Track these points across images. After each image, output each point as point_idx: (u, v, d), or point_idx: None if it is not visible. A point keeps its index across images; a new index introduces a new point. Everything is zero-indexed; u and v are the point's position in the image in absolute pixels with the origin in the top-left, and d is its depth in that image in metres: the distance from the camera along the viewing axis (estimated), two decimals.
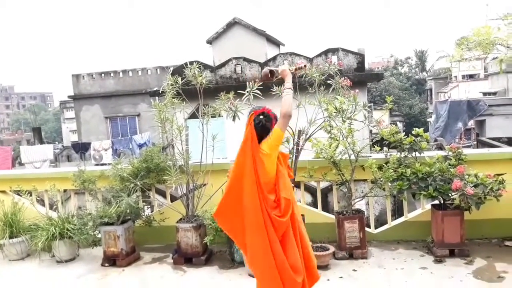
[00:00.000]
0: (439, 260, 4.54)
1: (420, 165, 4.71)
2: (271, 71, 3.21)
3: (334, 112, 4.68)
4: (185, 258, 4.94)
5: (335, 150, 4.78)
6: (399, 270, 4.38)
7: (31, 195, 5.80)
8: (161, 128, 5.13)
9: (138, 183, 5.11)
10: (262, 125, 3.05)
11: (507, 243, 4.89)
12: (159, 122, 5.09)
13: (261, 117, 3.07)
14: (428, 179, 4.61)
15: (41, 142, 23.11)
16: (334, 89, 4.96)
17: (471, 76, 38.89)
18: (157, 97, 5.18)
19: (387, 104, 5.24)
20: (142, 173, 5.18)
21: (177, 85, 5.04)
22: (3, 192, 5.96)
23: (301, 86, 4.99)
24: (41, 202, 6.24)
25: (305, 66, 3.38)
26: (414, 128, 4.94)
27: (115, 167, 5.18)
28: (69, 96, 25.11)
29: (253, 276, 4.39)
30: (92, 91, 23.65)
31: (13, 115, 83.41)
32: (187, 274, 4.70)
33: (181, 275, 4.68)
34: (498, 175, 4.63)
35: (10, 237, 5.39)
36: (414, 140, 4.80)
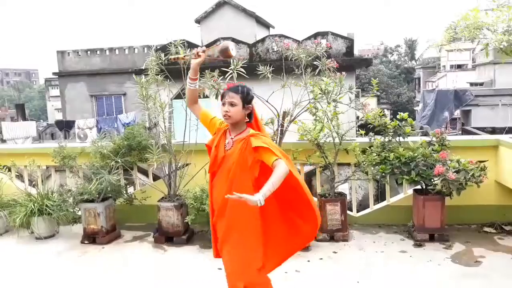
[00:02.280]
0: (418, 244, 4.58)
1: (403, 150, 4.71)
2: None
3: (320, 94, 4.63)
4: (166, 237, 4.91)
5: (320, 132, 4.75)
6: (379, 253, 4.42)
7: (9, 171, 5.67)
8: (143, 105, 5.03)
9: (119, 160, 5.03)
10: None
11: (486, 229, 4.96)
12: (141, 99, 4.99)
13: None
14: (411, 163, 4.62)
15: (24, 119, 22.68)
16: (321, 71, 4.91)
17: (459, 66, 39.18)
18: (143, 76, 5.04)
19: (371, 93, 5.20)
20: (123, 151, 5.09)
21: (160, 62, 4.93)
22: None
23: (288, 67, 4.93)
24: (20, 178, 6.12)
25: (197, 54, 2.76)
26: (399, 113, 4.94)
27: (96, 143, 5.09)
28: (53, 73, 24.55)
29: None
30: (78, 68, 23.15)
31: None
32: (168, 252, 4.67)
33: (161, 254, 4.65)
34: (480, 161, 4.66)
35: None
36: (398, 125, 4.80)
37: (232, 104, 2.66)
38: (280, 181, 2.47)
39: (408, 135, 4.87)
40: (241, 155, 2.65)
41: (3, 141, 18.26)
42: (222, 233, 2.80)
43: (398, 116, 4.89)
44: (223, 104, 2.69)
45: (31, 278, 4.16)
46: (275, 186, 2.45)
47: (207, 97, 5.03)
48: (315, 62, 4.92)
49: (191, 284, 3.91)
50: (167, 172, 5.13)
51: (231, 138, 2.73)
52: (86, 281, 4.05)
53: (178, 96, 5.48)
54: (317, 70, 4.89)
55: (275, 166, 2.52)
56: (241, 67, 4.49)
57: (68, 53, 23.39)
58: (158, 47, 5.45)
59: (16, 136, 17.94)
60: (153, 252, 4.71)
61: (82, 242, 5.00)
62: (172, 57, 2.90)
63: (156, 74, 4.99)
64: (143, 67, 5.15)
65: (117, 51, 23.17)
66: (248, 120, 2.76)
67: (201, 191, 4.83)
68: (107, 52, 23.19)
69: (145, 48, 22.66)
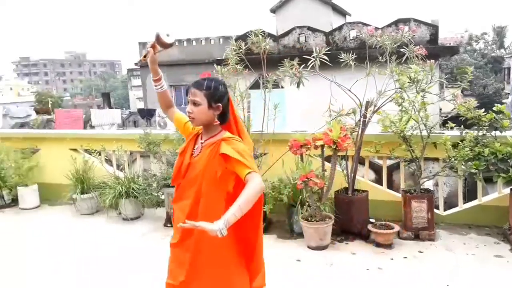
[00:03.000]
0: None
1: (500, 145, 4.31)
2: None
3: (408, 82, 4.36)
4: None
5: (406, 124, 4.49)
6: (470, 255, 4.09)
7: (100, 155, 6.07)
8: None
9: None
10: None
11: None
12: None
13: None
14: (509, 160, 4.21)
15: (110, 107, 24.28)
16: (407, 59, 4.62)
17: None
18: (220, 66, 5.11)
19: (462, 82, 4.77)
20: None
21: (240, 51, 4.95)
22: (75, 150, 6.28)
23: (371, 55, 4.71)
24: (109, 162, 6.52)
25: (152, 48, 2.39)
26: (496, 105, 4.51)
27: (179, 131, 5.25)
28: (135, 64, 25.96)
29: (312, 248, 4.33)
30: (158, 59, 24.22)
31: (85, 81, 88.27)
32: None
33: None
34: None
35: (82, 193, 5.71)
36: (494, 117, 4.39)
37: (195, 103, 2.17)
38: (251, 203, 1.95)
39: (506, 129, 4.44)
40: (209, 163, 2.16)
41: (92, 127, 19.73)
42: (187, 266, 2.23)
43: (494, 108, 4.46)
44: (188, 103, 2.22)
45: (118, 255, 4.42)
46: (243, 210, 1.92)
47: (281, 87, 4.99)
48: (401, 50, 4.65)
49: (271, 274, 3.90)
50: None
51: (201, 143, 2.26)
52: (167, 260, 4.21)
53: (253, 86, 5.51)
54: (404, 58, 4.61)
55: (247, 181, 2.01)
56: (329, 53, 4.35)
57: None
58: (234, 38, 5.50)
59: (102, 123, 19.27)
60: None
61: (165, 225, 5.22)
62: (141, 58, 2.55)
63: (235, 64, 5.03)
64: (221, 57, 5.23)
65: (194, 42, 23.92)
66: (220, 122, 2.24)
67: (279, 181, 4.81)
68: (185, 43, 24.03)
69: (221, 39, 23.16)
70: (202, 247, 2.19)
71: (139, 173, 5.74)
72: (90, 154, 6.12)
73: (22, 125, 22.44)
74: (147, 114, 20.05)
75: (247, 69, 5.18)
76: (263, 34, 5.02)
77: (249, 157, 2.11)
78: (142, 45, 24.67)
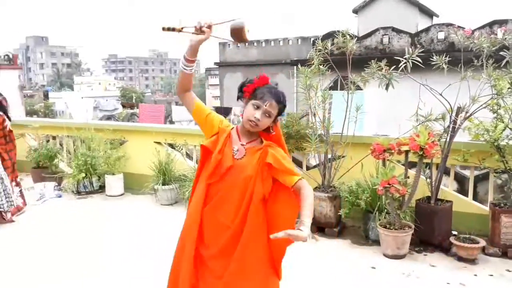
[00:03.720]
0: None
1: None
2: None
3: (508, 88, 4.04)
4: (318, 227, 4.92)
5: (502, 132, 4.16)
6: None
7: (182, 149, 6.36)
8: (305, 94, 5.09)
9: None
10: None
11: None
12: (303, 89, 5.05)
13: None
14: None
15: None
16: (508, 63, 4.28)
17: None
18: (304, 66, 5.11)
19: None
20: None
21: (325, 51, 4.91)
22: (159, 143, 6.64)
23: (466, 58, 4.43)
24: (190, 157, 6.81)
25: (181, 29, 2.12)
26: None
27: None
28: (214, 63, 26.84)
29: (389, 257, 4.18)
30: (236, 59, 24.87)
31: (166, 79, 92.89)
32: (319, 243, 4.68)
33: (313, 243, 4.68)
34: None
35: (163, 184, 6.01)
36: None
37: (269, 115, 2.13)
38: (313, 209, 2.05)
39: None
40: (260, 169, 2.12)
41: (171, 122, 20.72)
42: (229, 277, 2.13)
43: None
44: (257, 107, 2.11)
45: None
46: (311, 216, 1.99)
47: (361, 89, 4.85)
48: (501, 53, 4.32)
49: (343, 279, 3.84)
50: (322, 162, 5.11)
51: (242, 145, 2.18)
52: None
53: (331, 88, 5.45)
54: (504, 62, 4.28)
55: (300, 188, 2.06)
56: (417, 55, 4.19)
57: (229, 44, 25.26)
58: (312, 39, 5.47)
59: (182, 119, 20.15)
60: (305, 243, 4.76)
61: None
62: (166, 26, 2.16)
63: (319, 64, 5.00)
64: (299, 58, 5.24)
65: (272, 43, 24.18)
66: (269, 131, 2.21)
67: (357, 185, 4.70)
68: (264, 44, 24.37)
69: (299, 40, 23.15)
70: (247, 255, 2.14)
71: None
72: (173, 148, 6.42)
73: (108, 118, 24.21)
74: (223, 112, 20.61)
75: (329, 70, 5.14)
76: (350, 35, 4.94)
77: (292, 164, 2.21)
78: (222, 45, 25.42)
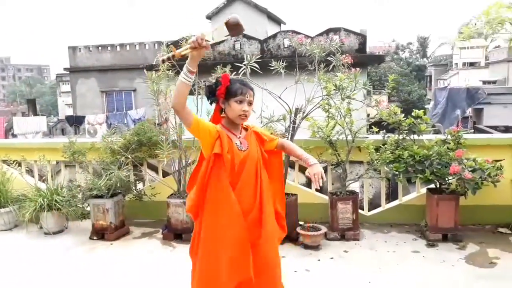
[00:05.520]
0: (431, 244, 4.48)
1: (418, 148, 4.61)
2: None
3: (334, 90, 4.54)
4: (175, 234, 4.87)
5: (332, 129, 4.67)
6: (390, 253, 4.33)
7: (20, 166, 5.68)
8: (154, 100, 4.99)
9: (129, 156, 5.00)
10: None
11: (501, 229, 4.84)
12: (152, 95, 4.95)
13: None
14: (425, 162, 4.51)
15: (36, 114, 22.85)
16: (334, 67, 4.82)
17: (471, 64, 38.66)
18: (154, 72, 5.01)
19: (386, 89, 5.10)
20: (133, 146, 5.06)
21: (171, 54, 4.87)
22: None
23: (300, 63, 4.86)
24: (31, 173, 6.12)
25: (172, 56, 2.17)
26: (414, 110, 4.83)
27: (106, 139, 5.06)
28: (65, 69, 24.70)
29: None
30: (89, 64, 23.26)
31: (9, 87, 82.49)
32: (177, 250, 4.63)
33: (170, 251, 4.61)
34: (496, 161, 4.55)
35: None
36: (413, 122, 4.69)
37: (250, 103, 2.42)
38: None
39: (423, 133, 4.77)
40: (259, 151, 2.51)
41: (14, 136, 18.40)
42: (264, 240, 2.45)
43: (413, 114, 4.78)
44: (240, 102, 2.37)
45: (39, 273, 4.14)
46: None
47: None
48: (328, 58, 4.84)
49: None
50: (177, 168, 5.08)
51: (239, 138, 2.47)
52: (94, 277, 4.02)
53: (190, 93, 5.46)
54: (331, 66, 4.80)
55: (283, 143, 2.65)
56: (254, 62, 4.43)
57: (79, 49, 23.51)
58: (169, 43, 5.44)
59: (27, 131, 18.05)
60: (161, 249, 4.67)
61: (90, 238, 4.98)
62: (163, 58, 2.16)
63: (167, 70, 4.95)
64: (154, 63, 5.13)
65: (128, 47, 23.23)
66: None
67: None
68: (118, 48, 23.26)
69: (156, 44, 22.68)
70: (268, 223, 2.48)
71: (63, 184, 5.43)
72: (9, 165, 5.70)
73: None
74: (75, 121, 19.11)
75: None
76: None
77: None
78: (72, 49, 23.51)
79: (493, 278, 3.73)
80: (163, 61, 2.19)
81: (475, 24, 4.14)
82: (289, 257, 4.27)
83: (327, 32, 12.53)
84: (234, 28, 2.17)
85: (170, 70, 4.98)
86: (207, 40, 2.09)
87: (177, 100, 2.20)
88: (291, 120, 4.79)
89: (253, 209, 2.44)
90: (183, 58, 2.18)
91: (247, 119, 2.46)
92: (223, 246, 2.40)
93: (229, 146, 2.38)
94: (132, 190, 5.42)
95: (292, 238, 4.62)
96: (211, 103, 2.49)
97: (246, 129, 2.54)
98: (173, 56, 2.13)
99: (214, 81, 2.48)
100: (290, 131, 4.78)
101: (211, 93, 2.43)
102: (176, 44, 5.11)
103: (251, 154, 2.45)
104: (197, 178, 2.46)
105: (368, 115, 12.25)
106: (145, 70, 5.05)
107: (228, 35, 2.21)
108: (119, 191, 5.14)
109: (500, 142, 5.15)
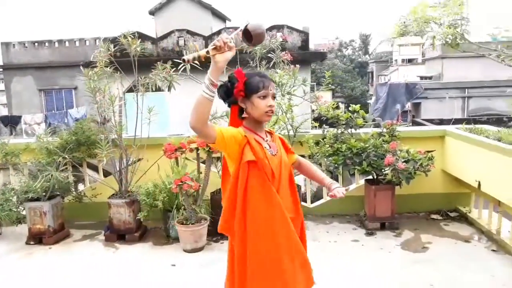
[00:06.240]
0: (370, 233, 4.70)
1: (355, 141, 4.81)
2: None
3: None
4: (118, 235, 4.75)
5: (274, 125, 4.75)
6: (332, 243, 4.49)
7: None
8: (92, 98, 4.83)
9: (67, 156, 4.81)
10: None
11: (433, 216, 5.17)
12: (89, 92, 4.78)
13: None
14: (362, 154, 4.72)
15: None
16: (275, 64, 4.90)
17: (410, 61, 40.62)
18: (91, 69, 4.84)
19: (324, 85, 5.26)
20: (71, 146, 4.87)
21: (108, 53, 4.74)
22: None
23: (242, 60, 4.89)
24: None
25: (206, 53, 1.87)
26: (351, 105, 5.03)
27: (41, 139, 4.83)
28: (184, 60, 22.97)
29: (188, 251, 4.33)
30: (24, 61, 21.94)
31: None
32: (120, 250, 4.53)
33: (113, 252, 4.50)
34: (428, 151, 4.84)
35: None
36: (350, 117, 4.89)
37: (274, 97, 2.15)
38: None
39: (360, 127, 4.98)
40: (285, 155, 2.26)
41: None
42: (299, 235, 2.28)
43: (350, 108, 4.97)
44: (264, 97, 2.07)
45: None
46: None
47: (160, 90, 4.89)
48: (269, 55, 4.91)
49: (144, 282, 3.80)
50: (117, 168, 4.95)
51: (266, 141, 2.17)
52: (31, 283, 3.84)
53: (130, 89, 5.32)
54: (272, 63, 4.88)
55: (300, 161, 2.45)
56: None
57: (14, 45, 22.13)
58: (110, 39, 5.28)
59: None
60: (104, 251, 4.54)
61: (27, 243, 4.74)
62: (189, 57, 1.85)
63: (105, 66, 4.80)
64: (91, 59, 4.95)
65: (67, 43, 22.17)
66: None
67: (154, 187, 4.71)
68: (56, 44, 22.15)
69: (97, 40, 21.85)
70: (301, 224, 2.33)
71: None
72: None
73: None
74: (11, 121, 18.02)
75: (118, 72, 4.98)
76: (132, 36, 4.86)
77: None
78: (5, 45, 22.10)
79: (425, 262, 3.98)
80: (188, 61, 1.87)
81: (404, 23, 4.39)
82: None
83: (271, 29, 12.68)
84: (259, 38, 1.91)
85: (108, 67, 4.84)
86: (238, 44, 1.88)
87: (197, 118, 1.86)
88: None
89: (297, 217, 2.26)
90: (206, 60, 1.88)
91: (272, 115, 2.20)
92: (282, 267, 2.11)
93: (262, 152, 2.10)
94: (72, 191, 5.22)
95: None
96: (229, 106, 2.16)
97: (270, 133, 2.25)
98: (199, 56, 1.84)
99: (226, 79, 2.14)
100: None
101: (227, 94, 2.10)
102: (115, 40, 4.98)
103: (283, 159, 2.19)
104: (228, 192, 2.14)
105: (313, 110, 12.61)
106: (81, 67, 4.85)
107: (248, 43, 1.96)
108: (58, 193, 4.93)
109: (431, 134, 5.48)
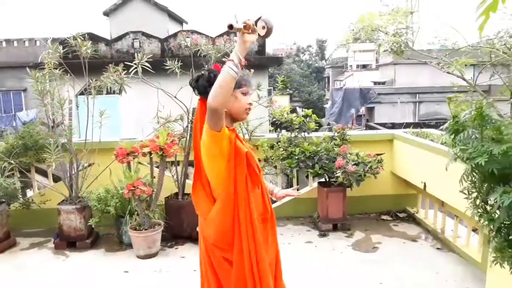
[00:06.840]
0: (323, 234, 4.82)
1: (308, 145, 4.92)
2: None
3: None
4: (68, 242, 4.61)
5: None
6: (286, 245, 4.57)
7: None
8: (40, 101, 4.66)
9: (13, 161, 4.61)
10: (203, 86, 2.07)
11: (383, 216, 5.38)
12: (37, 95, 4.61)
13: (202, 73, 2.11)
14: (314, 157, 4.84)
15: None
16: None
17: (364, 66, 41.94)
18: (38, 70, 4.67)
19: (276, 90, 5.37)
20: (17, 151, 4.67)
21: (57, 54, 4.60)
22: None
23: (197, 64, 4.89)
24: None
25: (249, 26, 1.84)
26: (303, 109, 5.15)
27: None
28: (230, 27, 21.54)
29: (141, 257, 4.26)
30: None
31: None
32: (70, 258, 4.38)
33: (63, 260, 4.35)
34: (378, 154, 5.03)
35: None
36: (303, 121, 5.00)
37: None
38: None
39: (312, 131, 5.10)
40: None
41: None
42: (272, 238, 2.32)
43: (302, 113, 5.09)
44: (245, 94, 2.08)
45: None
46: None
47: (114, 93, 4.80)
48: (224, 59, 4.93)
49: None
50: (68, 173, 4.80)
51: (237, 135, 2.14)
52: None
53: (82, 92, 5.18)
54: None
55: None
56: (148, 61, 4.36)
57: None
58: (61, 40, 5.10)
59: None
60: (53, 259, 4.39)
61: None
62: (237, 26, 1.78)
63: (54, 68, 4.65)
64: (39, 61, 4.79)
65: (15, 43, 21.20)
66: None
67: (106, 192, 4.61)
68: (4, 43, 21.13)
69: (49, 41, 21.03)
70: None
71: None
72: None
73: None
74: None
75: (68, 74, 4.84)
76: (82, 38, 4.75)
77: None
78: None
79: (375, 261, 4.14)
80: (232, 27, 1.77)
81: (353, 30, 4.56)
82: (189, 257, 4.30)
83: (228, 33, 12.71)
84: (269, 34, 1.88)
85: (57, 69, 4.69)
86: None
87: (223, 98, 1.80)
88: (189, 120, 4.80)
89: (270, 214, 2.24)
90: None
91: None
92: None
93: (243, 144, 2.08)
94: (19, 198, 5.00)
95: (192, 238, 4.64)
96: (205, 96, 1.98)
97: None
98: (240, 29, 1.78)
99: (203, 73, 2.09)
100: (189, 131, 4.80)
101: (210, 84, 1.91)
102: (63, 42, 4.84)
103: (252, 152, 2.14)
104: (224, 194, 2.04)
105: (271, 114, 12.75)
106: (27, 68, 4.67)
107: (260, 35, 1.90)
108: (3, 200, 4.71)
109: (381, 137, 5.70)
